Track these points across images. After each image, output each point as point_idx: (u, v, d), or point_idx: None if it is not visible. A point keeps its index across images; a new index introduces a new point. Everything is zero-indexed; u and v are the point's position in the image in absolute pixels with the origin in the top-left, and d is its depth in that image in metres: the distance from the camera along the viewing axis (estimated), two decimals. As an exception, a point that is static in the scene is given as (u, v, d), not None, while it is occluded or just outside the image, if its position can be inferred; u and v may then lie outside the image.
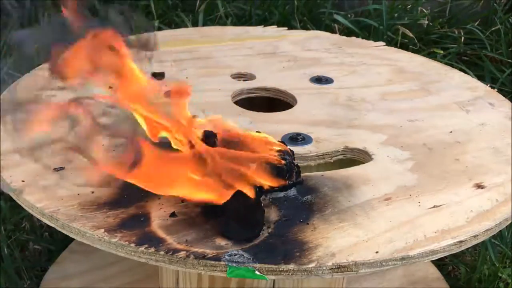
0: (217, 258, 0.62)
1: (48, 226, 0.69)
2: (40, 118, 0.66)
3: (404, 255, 0.64)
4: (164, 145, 0.68)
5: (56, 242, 1.20)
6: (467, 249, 1.00)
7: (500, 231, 0.84)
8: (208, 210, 0.68)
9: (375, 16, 1.79)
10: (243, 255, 0.62)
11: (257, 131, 0.75)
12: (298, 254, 0.63)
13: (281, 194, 0.71)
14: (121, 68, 0.68)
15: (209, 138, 0.70)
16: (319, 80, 1.02)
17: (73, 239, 0.92)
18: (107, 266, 1.08)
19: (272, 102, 1.00)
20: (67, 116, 0.68)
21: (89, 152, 0.67)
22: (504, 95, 1.00)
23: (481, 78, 1.54)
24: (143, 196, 0.71)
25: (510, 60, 1.69)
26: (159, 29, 1.68)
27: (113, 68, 0.68)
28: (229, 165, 0.66)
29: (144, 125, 0.68)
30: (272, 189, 0.70)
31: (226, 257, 0.62)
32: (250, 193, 0.65)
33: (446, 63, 1.39)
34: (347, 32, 1.71)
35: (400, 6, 1.81)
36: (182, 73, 1.01)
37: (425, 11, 1.80)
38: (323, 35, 1.24)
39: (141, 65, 0.69)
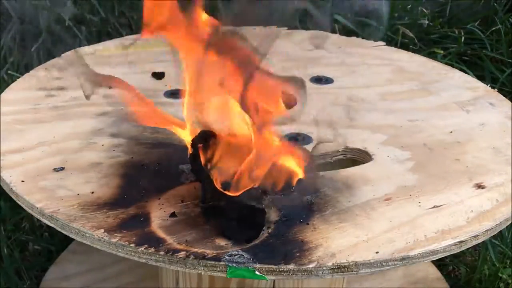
0: (217, 258, 0.62)
1: (48, 226, 0.69)
2: None
3: (404, 255, 0.63)
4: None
5: (56, 242, 1.20)
6: (468, 249, 1.00)
7: (501, 231, 0.84)
8: (208, 210, 0.68)
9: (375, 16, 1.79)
10: (243, 255, 0.62)
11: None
12: (298, 254, 0.63)
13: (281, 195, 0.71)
14: None
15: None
16: (319, 80, 1.02)
17: (73, 239, 0.92)
18: (107, 266, 1.08)
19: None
20: None
21: None
22: (504, 95, 1.00)
23: (481, 78, 1.53)
24: (143, 196, 0.71)
25: (510, 60, 1.69)
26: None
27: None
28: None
29: None
30: (274, 192, 0.70)
31: (226, 257, 0.62)
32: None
33: (446, 63, 1.38)
34: (347, 32, 1.71)
35: (400, 6, 1.81)
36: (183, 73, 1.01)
37: (425, 11, 1.79)
38: (323, 35, 1.24)
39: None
